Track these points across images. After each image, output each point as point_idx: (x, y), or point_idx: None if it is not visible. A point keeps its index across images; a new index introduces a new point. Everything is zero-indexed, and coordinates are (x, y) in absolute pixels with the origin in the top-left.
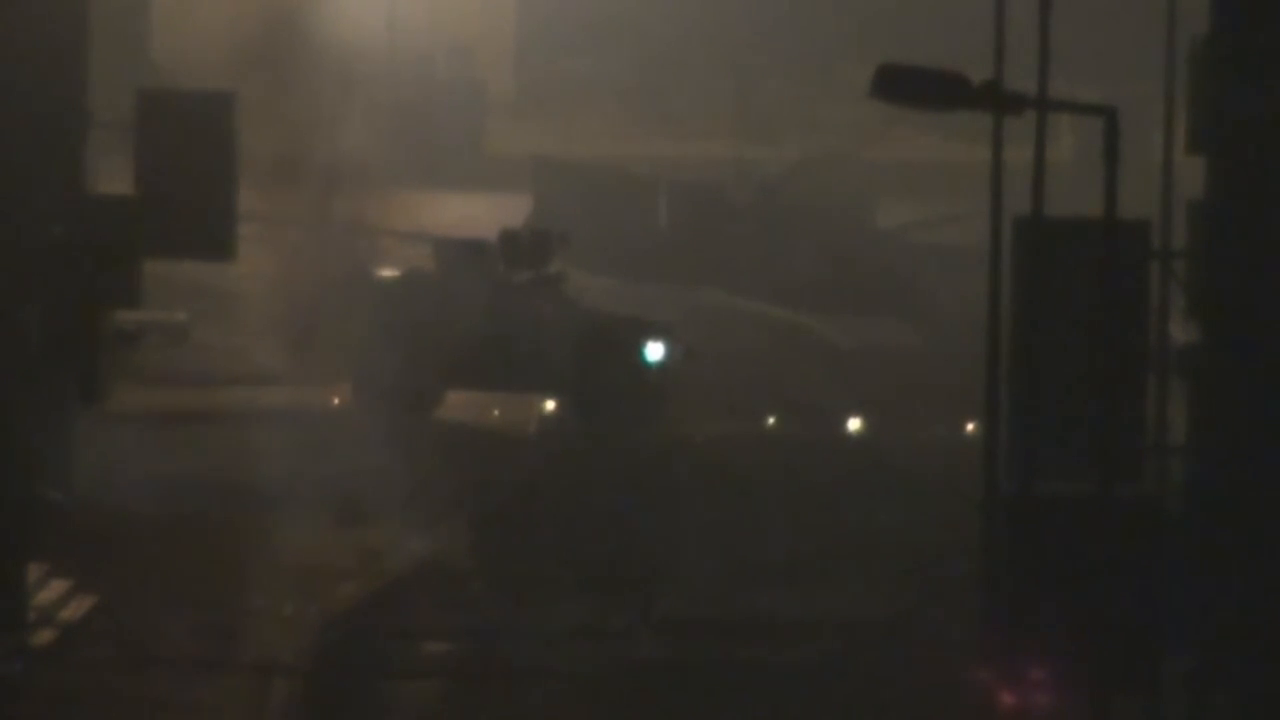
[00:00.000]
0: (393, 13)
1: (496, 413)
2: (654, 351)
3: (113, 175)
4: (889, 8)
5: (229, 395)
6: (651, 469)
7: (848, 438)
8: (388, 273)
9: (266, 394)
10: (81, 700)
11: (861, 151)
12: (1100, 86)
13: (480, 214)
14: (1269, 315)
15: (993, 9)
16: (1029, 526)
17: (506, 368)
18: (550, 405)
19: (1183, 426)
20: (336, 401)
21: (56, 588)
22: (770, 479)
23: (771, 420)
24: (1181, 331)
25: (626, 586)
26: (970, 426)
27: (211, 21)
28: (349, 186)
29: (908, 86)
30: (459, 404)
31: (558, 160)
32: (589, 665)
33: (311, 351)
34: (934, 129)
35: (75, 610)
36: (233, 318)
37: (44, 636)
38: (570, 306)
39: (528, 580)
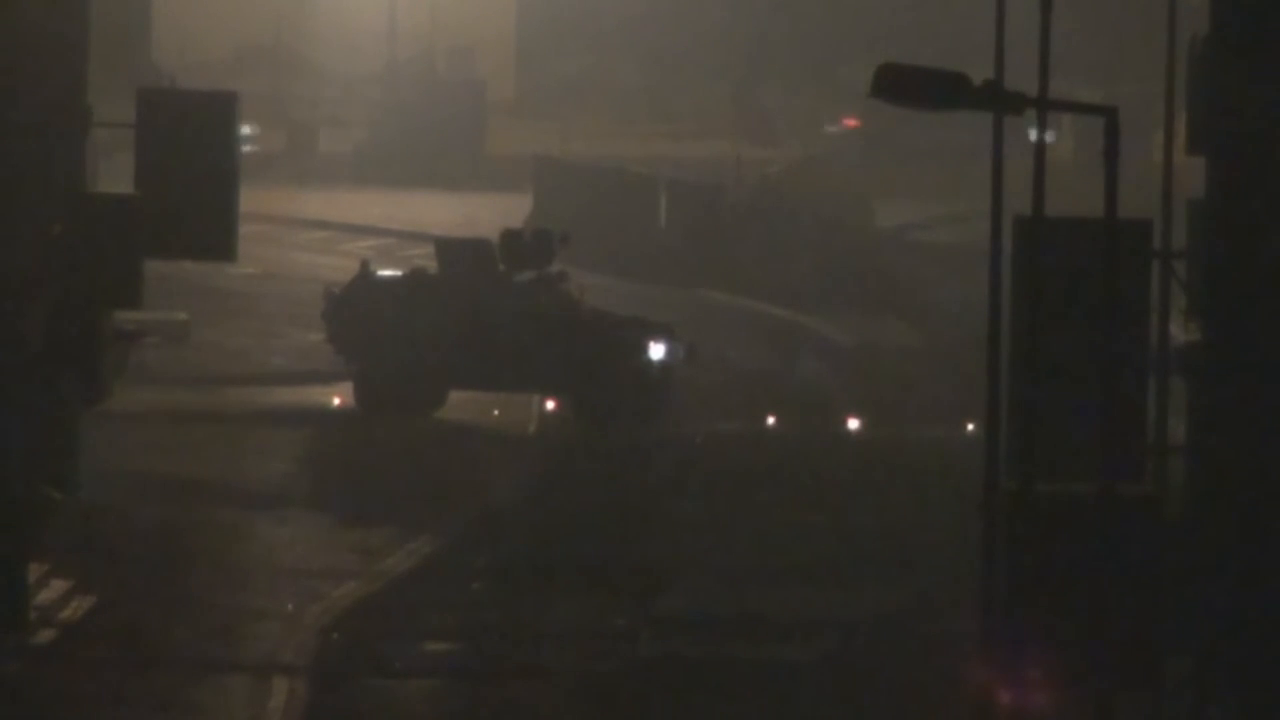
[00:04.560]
0: (393, 13)
1: (496, 413)
2: (657, 351)
3: (113, 175)
4: (889, 8)
5: (229, 395)
6: (651, 468)
7: (847, 436)
8: (390, 273)
9: (267, 394)
10: (81, 700)
11: (861, 151)
12: (1100, 86)
13: (480, 214)
14: (1269, 315)
15: (993, 9)
16: (1029, 526)
17: (509, 367)
18: (550, 405)
19: (1183, 426)
20: (338, 402)
21: (56, 588)
22: (770, 478)
23: (771, 420)
24: (1181, 331)
25: (627, 585)
26: (970, 426)
27: (212, 22)
28: (349, 186)
29: (908, 86)
30: (458, 404)
31: (558, 160)
32: (589, 665)
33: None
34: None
35: (75, 610)
36: (234, 317)
37: (44, 636)
38: (573, 306)
39: (528, 579)
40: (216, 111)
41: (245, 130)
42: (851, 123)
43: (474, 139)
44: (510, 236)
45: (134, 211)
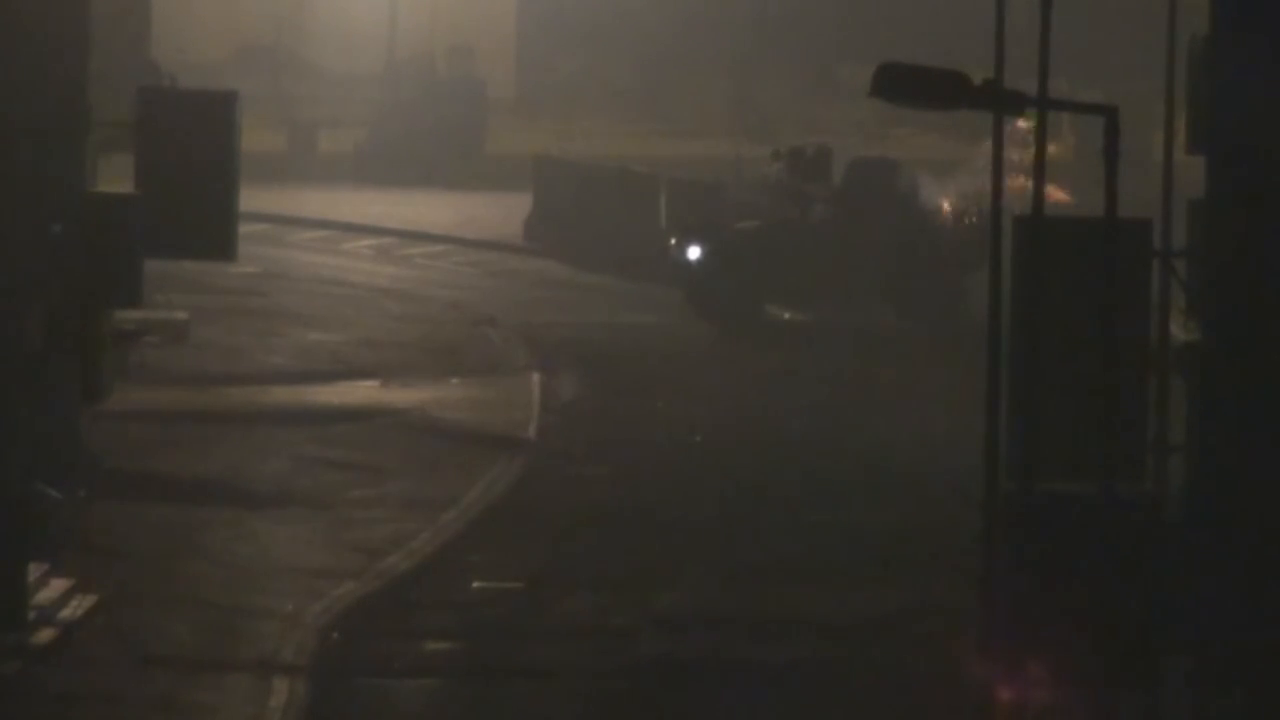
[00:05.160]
0: (393, 13)
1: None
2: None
3: (113, 175)
4: (889, 8)
5: (229, 395)
6: (650, 467)
7: (849, 433)
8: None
9: (267, 394)
10: (81, 700)
11: (861, 151)
12: (1100, 86)
13: (480, 213)
14: (1269, 315)
15: (993, 9)
16: (1029, 525)
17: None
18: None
19: (1183, 426)
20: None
21: (56, 587)
22: (771, 477)
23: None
24: (1181, 331)
25: (627, 585)
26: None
27: (212, 21)
28: (349, 186)
29: (908, 86)
30: (453, 404)
31: (558, 160)
32: (589, 665)
33: None
34: (934, 128)
35: (75, 610)
36: (233, 316)
37: (44, 636)
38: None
39: (529, 578)
40: (216, 111)
41: None
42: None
43: (474, 139)
44: (796, 152)
45: (134, 211)
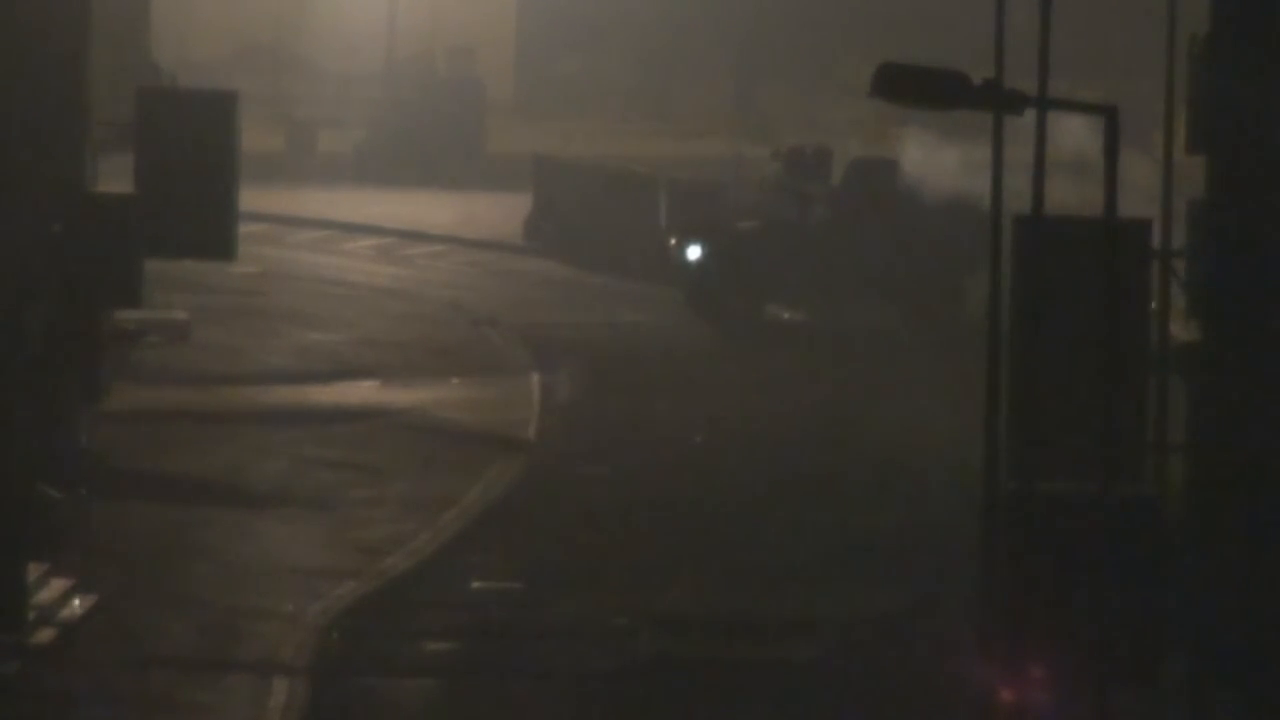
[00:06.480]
0: (392, 12)
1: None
2: None
3: (113, 175)
4: (889, 8)
5: (229, 395)
6: (650, 467)
7: (848, 433)
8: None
9: (267, 394)
10: (81, 700)
11: (861, 151)
12: (1100, 86)
13: (480, 213)
14: (1269, 315)
15: (993, 9)
16: (1029, 525)
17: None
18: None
19: (1183, 426)
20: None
21: (56, 587)
22: (771, 477)
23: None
24: (1181, 331)
25: (627, 585)
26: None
27: (212, 21)
28: (349, 186)
29: (908, 85)
30: (453, 404)
31: (558, 160)
32: (589, 665)
33: None
34: (933, 128)
35: (75, 610)
36: (234, 317)
37: (44, 636)
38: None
39: (529, 578)
40: (216, 111)
41: None
42: None
43: (474, 139)
44: (795, 152)
45: (134, 211)
